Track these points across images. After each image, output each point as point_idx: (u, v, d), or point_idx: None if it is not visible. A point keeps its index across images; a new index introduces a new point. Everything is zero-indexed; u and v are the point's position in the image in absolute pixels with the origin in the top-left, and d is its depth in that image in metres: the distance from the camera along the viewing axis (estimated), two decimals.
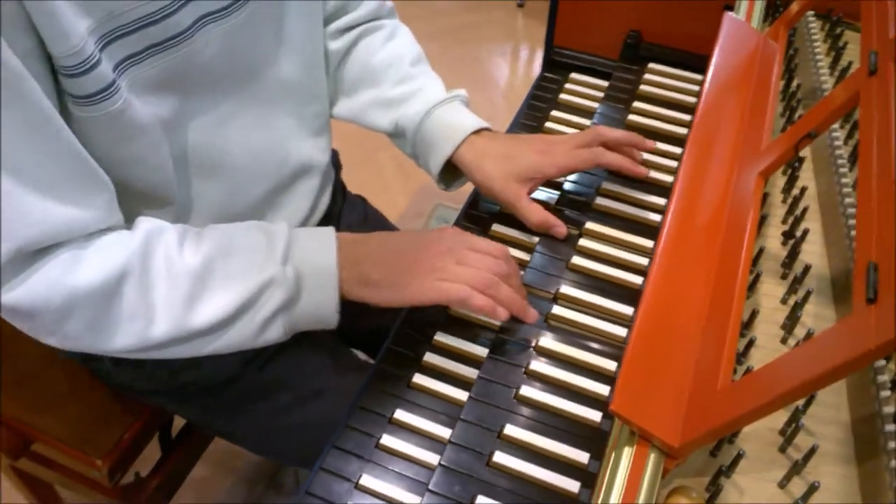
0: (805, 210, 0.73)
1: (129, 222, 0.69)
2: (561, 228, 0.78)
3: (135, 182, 0.70)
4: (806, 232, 0.71)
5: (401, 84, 0.88)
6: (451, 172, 0.85)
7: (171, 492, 1.05)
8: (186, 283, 0.65)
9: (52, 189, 0.59)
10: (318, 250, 0.68)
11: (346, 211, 1.04)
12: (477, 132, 0.83)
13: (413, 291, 0.67)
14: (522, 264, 0.77)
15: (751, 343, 0.63)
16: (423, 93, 0.86)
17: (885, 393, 0.55)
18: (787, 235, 0.73)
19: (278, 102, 0.80)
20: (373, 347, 1.04)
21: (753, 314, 0.65)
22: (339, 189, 1.04)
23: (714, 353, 0.54)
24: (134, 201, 0.72)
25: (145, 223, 0.67)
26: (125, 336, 0.64)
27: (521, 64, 2.56)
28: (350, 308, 0.71)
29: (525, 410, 0.65)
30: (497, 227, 0.82)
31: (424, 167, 0.86)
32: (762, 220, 0.74)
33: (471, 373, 0.68)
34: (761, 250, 0.70)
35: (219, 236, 0.69)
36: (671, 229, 0.65)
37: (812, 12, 0.97)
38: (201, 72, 0.70)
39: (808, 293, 0.66)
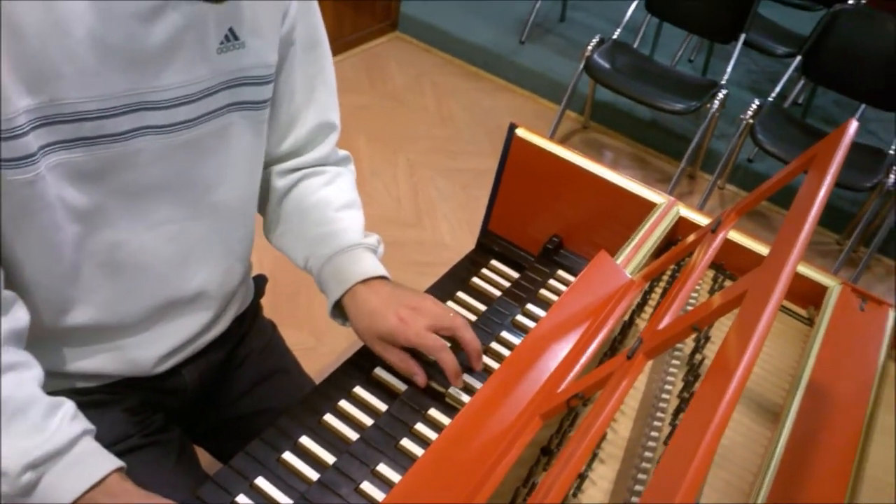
0: (596, 455, 0.78)
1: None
2: (420, 378, 0.86)
3: (27, 262, 0.76)
4: (584, 477, 0.75)
5: (319, 226, 0.96)
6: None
7: None
8: None
9: None
10: (69, 483, 0.69)
11: (251, 336, 1.11)
12: (365, 282, 0.90)
13: None
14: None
15: None
16: (333, 238, 0.95)
17: None
18: (580, 476, 0.77)
19: (207, 222, 0.88)
20: (217, 441, 1.11)
21: None
22: (252, 313, 1.11)
23: None
24: (25, 283, 0.78)
25: None
26: None
27: None
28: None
29: None
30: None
31: None
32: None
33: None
34: (533, 485, 0.74)
35: (24, 395, 0.71)
36: (439, 441, 0.71)
37: None
38: (133, 175, 0.77)
39: None
